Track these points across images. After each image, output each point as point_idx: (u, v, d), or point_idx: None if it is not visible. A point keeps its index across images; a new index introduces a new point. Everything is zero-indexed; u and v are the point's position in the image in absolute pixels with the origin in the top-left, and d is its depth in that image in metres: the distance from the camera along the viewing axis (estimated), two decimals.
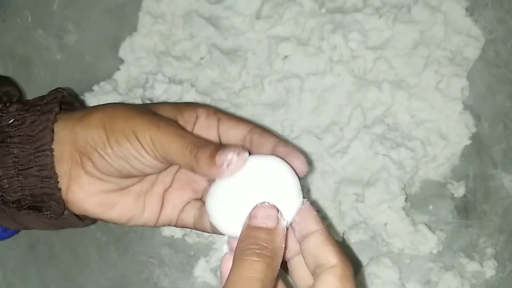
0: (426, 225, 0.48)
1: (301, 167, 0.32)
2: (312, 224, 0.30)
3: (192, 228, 0.37)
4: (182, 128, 0.34)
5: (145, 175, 0.36)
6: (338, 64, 0.50)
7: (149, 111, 0.34)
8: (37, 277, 0.46)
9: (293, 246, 0.32)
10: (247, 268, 0.28)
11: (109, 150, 0.33)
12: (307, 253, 0.30)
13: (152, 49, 0.52)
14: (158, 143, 0.32)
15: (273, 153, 0.33)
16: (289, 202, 0.31)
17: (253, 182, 0.31)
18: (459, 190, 0.49)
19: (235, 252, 0.29)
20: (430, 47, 0.50)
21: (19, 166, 0.34)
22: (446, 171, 0.50)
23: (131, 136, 0.33)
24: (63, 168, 0.35)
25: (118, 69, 0.52)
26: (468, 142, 0.50)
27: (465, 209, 0.50)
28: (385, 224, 0.47)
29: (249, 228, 0.29)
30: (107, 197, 0.35)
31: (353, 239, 0.48)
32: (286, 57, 0.50)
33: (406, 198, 0.47)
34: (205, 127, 0.35)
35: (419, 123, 0.49)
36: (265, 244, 0.28)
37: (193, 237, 0.49)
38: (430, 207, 0.50)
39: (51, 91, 0.37)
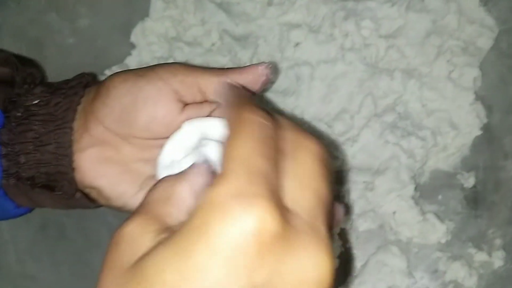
0: (435, 214, 0.48)
1: (263, 73, 0.33)
2: None
3: None
4: None
5: (147, 132, 0.34)
6: (349, 52, 0.49)
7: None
8: (48, 256, 0.46)
9: None
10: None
11: (114, 93, 0.34)
12: None
13: (163, 34, 0.52)
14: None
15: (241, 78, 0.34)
16: None
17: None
18: (469, 181, 0.49)
19: None
20: (442, 36, 0.50)
21: (38, 142, 0.35)
22: (456, 162, 0.50)
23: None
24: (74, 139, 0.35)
25: (130, 54, 0.52)
26: (479, 132, 0.49)
27: (475, 200, 0.49)
28: (394, 212, 0.47)
29: None
30: (102, 163, 0.35)
31: (361, 227, 0.48)
32: (297, 44, 0.50)
33: (415, 188, 0.47)
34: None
35: (430, 112, 0.49)
36: None
37: None
38: (439, 197, 0.50)
39: (76, 75, 0.37)
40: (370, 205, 0.47)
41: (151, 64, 0.50)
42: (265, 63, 0.34)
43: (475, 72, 0.50)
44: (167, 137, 0.34)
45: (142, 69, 0.35)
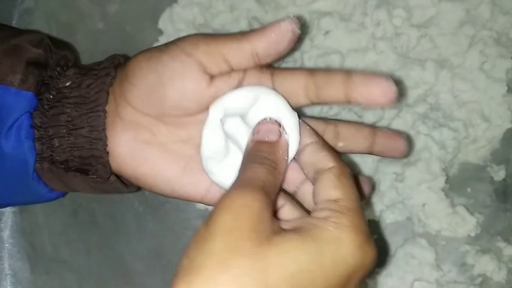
0: (464, 207, 0.47)
1: (287, 30, 0.31)
2: (306, 137, 0.31)
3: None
4: None
5: (178, 109, 0.34)
6: (381, 41, 0.49)
7: None
8: (80, 241, 0.47)
9: (296, 177, 0.33)
10: (248, 172, 0.28)
11: (140, 73, 0.33)
12: (304, 163, 0.31)
13: (191, 21, 0.52)
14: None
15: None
16: (286, 122, 0.31)
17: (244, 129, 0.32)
18: (499, 174, 0.49)
19: (241, 165, 0.30)
20: (475, 26, 0.49)
21: (71, 126, 0.35)
22: (486, 154, 0.49)
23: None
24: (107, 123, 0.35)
25: (157, 40, 0.52)
26: (510, 125, 0.49)
27: (504, 193, 0.49)
28: (423, 204, 0.46)
29: (252, 143, 0.30)
30: (140, 148, 0.34)
31: (388, 219, 0.48)
32: (327, 32, 0.50)
33: (446, 179, 0.46)
34: (257, 78, 0.33)
35: (461, 104, 0.48)
36: (267, 156, 0.29)
37: None
38: (468, 190, 0.49)
39: (108, 57, 0.37)
40: (399, 196, 0.47)
41: None
42: (289, 17, 0.31)
43: (508, 64, 0.49)
44: (200, 112, 0.34)
45: (165, 44, 0.35)
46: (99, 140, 0.35)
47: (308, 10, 0.50)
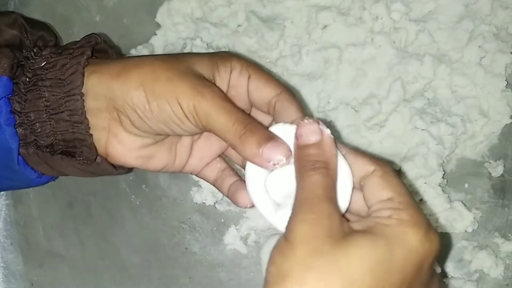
0: (462, 202, 0.47)
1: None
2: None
3: (211, 184, 0.38)
4: (227, 98, 0.33)
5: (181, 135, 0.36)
6: (379, 35, 0.48)
7: (190, 71, 0.33)
8: (75, 234, 0.47)
9: None
10: (307, 183, 0.29)
11: (150, 114, 0.33)
12: None
13: (189, 14, 0.52)
14: (202, 113, 0.32)
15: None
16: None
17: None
18: (497, 170, 0.49)
19: (295, 174, 0.30)
20: (475, 21, 0.49)
21: (51, 110, 0.34)
22: (484, 150, 0.49)
23: (174, 103, 0.32)
24: (101, 122, 0.34)
25: (155, 33, 0.52)
26: (509, 121, 0.49)
27: (502, 189, 0.49)
28: (421, 200, 0.46)
29: (299, 148, 0.31)
30: (145, 150, 0.35)
31: None
32: (325, 26, 0.49)
33: (443, 175, 0.46)
34: (236, 84, 0.35)
35: (459, 99, 0.48)
36: (317, 158, 0.30)
37: (223, 205, 0.50)
38: (466, 185, 0.49)
39: (86, 36, 0.36)
40: None
41: (176, 46, 0.51)
42: None
43: (507, 59, 0.49)
44: None
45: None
46: (80, 123, 0.34)
47: (306, 4, 0.50)
